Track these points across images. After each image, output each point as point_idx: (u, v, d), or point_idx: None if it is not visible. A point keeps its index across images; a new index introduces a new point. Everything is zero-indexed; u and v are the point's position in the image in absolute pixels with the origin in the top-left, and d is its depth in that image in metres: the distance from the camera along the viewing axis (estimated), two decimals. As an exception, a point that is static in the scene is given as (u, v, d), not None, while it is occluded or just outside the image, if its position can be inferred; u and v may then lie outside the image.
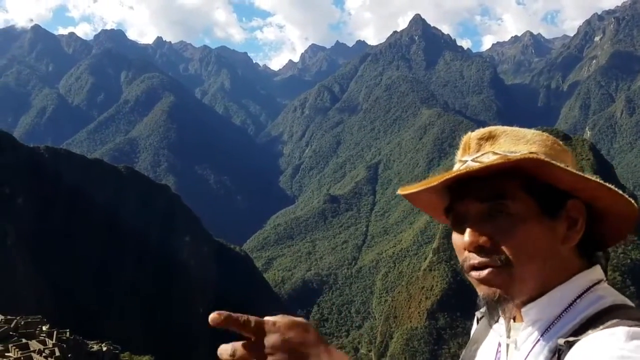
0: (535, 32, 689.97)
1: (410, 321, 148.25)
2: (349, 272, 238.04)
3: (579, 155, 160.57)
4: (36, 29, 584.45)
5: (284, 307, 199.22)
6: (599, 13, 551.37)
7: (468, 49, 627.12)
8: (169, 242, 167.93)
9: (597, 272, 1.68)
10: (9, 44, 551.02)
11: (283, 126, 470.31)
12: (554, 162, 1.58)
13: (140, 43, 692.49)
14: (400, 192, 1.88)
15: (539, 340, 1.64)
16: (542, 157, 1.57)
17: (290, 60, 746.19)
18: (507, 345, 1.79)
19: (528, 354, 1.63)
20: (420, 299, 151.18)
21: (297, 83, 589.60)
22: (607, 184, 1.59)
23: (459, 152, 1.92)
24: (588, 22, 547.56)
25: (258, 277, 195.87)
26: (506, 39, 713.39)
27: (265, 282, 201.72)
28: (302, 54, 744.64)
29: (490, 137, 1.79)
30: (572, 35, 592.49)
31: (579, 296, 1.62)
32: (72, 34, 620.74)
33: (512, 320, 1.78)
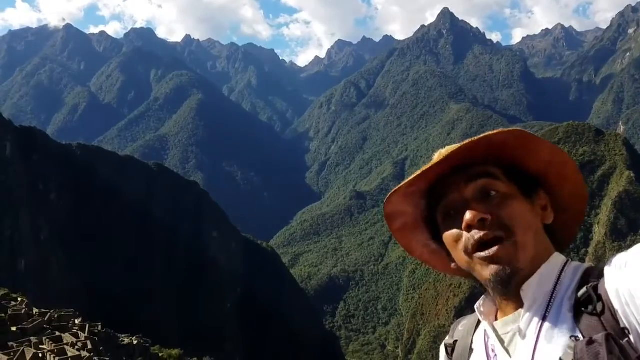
0: (566, 25, 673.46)
1: (438, 319, 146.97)
2: (375, 269, 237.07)
3: (612, 151, 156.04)
4: (68, 28, 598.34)
5: (311, 303, 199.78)
6: (633, 5, 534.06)
7: (497, 42, 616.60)
8: (198, 237, 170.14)
9: (561, 255, 1.87)
10: (42, 43, 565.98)
11: (309, 122, 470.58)
12: (534, 134, 1.78)
13: (169, 41, 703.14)
14: (387, 197, 2.00)
15: (546, 315, 1.70)
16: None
17: (316, 57, 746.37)
18: (504, 344, 1.82)
19: (538, 335, 1.69)
20: (448, 297, 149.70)
21: (323, 79, 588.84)
22: (573, 160, 1.87)
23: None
24: (621, 14, 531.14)
25: (285, 273, 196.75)
26: (537, 32, 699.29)
27: (291, 277, 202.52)
28: (328, 50, 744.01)
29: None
30: (605, 27, 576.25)
31: (561, 270, 1.80)
32: (102, 33, 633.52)
33: (494, 321, 1.88)
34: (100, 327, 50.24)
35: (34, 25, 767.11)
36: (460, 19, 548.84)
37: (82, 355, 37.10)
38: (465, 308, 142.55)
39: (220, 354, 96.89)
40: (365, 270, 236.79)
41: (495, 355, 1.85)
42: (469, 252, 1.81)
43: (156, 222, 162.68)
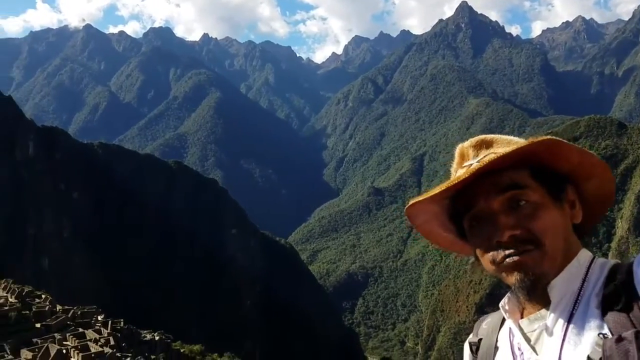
0: (587, 17, 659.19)
1: (458, 315, 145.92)
2: (394, 265, 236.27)
3: (635, 144, 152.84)
4: (88, 28, 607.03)
5: (329, 299, 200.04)
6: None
7: (517, 35, 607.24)
8: (217, 235, 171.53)
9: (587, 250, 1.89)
10: (63, 43, 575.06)
11: (327, 119, 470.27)
12: (564, 140, 1.76)
13: (187, 40, 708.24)
14: (410, 204, 2.09)
15: (573, 313, 1.71)
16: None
17: (333, 53, 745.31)
18: (530, 342, 1.82)
19: (565, 332, 1.69)
20: (469, 293, 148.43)
21: (340, 75, 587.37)
22: (603, 161, 1.85)
23: (456, 162, 2.14)
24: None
25: (303, 270, 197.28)
26: (557, 25, 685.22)
27: (310, 274, 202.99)
28: (345, 46, 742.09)
29: (485, 143, 1.99)
30: (627, 19, 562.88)
31: (588, 267, 1.82)
32: (122, 33, 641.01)
33: (519, 319, 1.89)
34: (122, 323, 51.00)
35: (55, 26, 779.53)
36: (478, 12, 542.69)
37: (105, 351, 37.70)
38: (486, 305, 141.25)
39: (241, 351, 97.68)
40: (384, 267, 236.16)
41: (522, 353, 1.85)
42: (497, 263, 1.85)
43: (176, 220, 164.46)
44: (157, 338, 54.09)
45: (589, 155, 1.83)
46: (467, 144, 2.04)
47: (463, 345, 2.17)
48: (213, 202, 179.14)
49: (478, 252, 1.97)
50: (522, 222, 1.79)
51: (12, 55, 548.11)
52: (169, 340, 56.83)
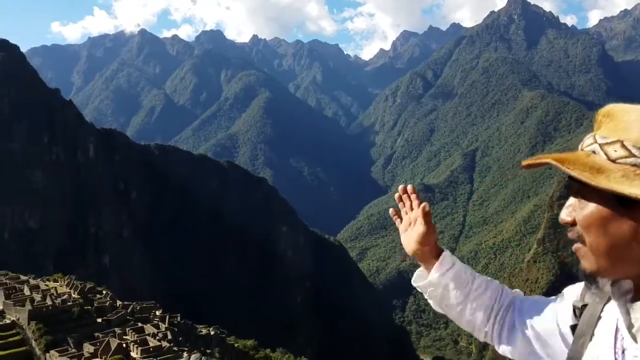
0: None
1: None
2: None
3: None
4: (143, 33, 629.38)
5: (380, 297, 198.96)
6: None
7: (573, 25, 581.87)
8: (268, 232, 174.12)
9: None
10: (119, 48, 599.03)
11: (374, 116, 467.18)
12: (608, 187, 1.75)
13: (237, 42, 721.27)
14: (527, 162, 2.03)
15: None
16: (625, 149, 1.80)
17: (381, 49, 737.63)
18: (632, 329, 1.79)
19: None
20: (524, 292, 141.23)
21: (388, 72, 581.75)
22: None
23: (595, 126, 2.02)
24: None
25: (353, 267, 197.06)
26: (615, 14, 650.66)
27: (360, 272, 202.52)
28: (393, 41, 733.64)
29: (608, 116, 1.94)
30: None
31: None
32: (175, 37, 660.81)
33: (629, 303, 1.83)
34: (179, 318, 52.62)
35: (111, 32, 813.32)
36: (532, 3, 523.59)
37: (163, 345, 39.07)
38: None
39: (292, 347, 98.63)
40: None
41: (622, 338, 1.82)
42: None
43: (228, 217, 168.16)
44: (212, 333, 55.52)
45: None
46: (602, 109, 1.99)
47: None
48: (263, 200, 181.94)
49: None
50: (579, 223, 1.91)
51: (72, 61, 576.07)
52: (223, 335, 58.24)
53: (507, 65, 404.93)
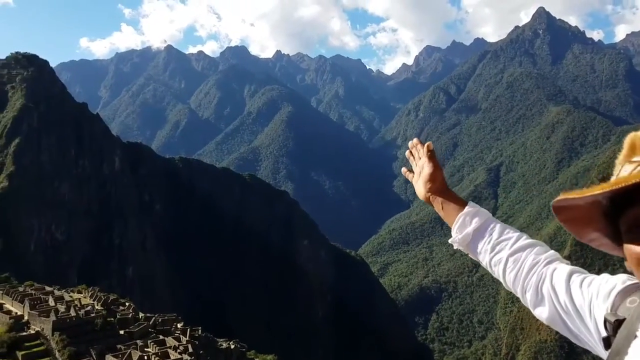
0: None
1: (539, 333, 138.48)
2: (469, 280, 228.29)
3: None
4: (169, 49, 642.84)
5: (401, 313, 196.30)
6: None
7: (599, 40, 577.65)
8: (289, 245, 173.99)
9: None
10: (146, 63, 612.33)
11: (397, 130, 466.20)
12: None
13: (261, 57, 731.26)
14: (561, 197, 1.88)
15: None
16: None
17: (403, 64, 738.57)
18: None
19: None
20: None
21: (411, 86, 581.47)
22: None
23: (623, 154, 1.86)
24: None
25: (374, 283, 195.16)
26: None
27: (381, 287, 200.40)
28: (416, 56, 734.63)
29: None
30: None
31: None
32: (200, 52, 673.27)
33: None
34: (200, 331, 52.55)
35: (138, 48, 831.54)
36: (557, 18, 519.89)
37: (184, 359, 39.00)
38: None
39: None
40: (459, 282, 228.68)
41: None
42: None
43: (250, 230, 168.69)
44: (232, 347, 55.32)
45: None
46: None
47: None
48: (285, 214, 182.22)
49: (633, 260, 1.82)
50: None
51: (100, 76, 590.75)
52: (243, 350, 57.96)
53: (532, 80, 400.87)
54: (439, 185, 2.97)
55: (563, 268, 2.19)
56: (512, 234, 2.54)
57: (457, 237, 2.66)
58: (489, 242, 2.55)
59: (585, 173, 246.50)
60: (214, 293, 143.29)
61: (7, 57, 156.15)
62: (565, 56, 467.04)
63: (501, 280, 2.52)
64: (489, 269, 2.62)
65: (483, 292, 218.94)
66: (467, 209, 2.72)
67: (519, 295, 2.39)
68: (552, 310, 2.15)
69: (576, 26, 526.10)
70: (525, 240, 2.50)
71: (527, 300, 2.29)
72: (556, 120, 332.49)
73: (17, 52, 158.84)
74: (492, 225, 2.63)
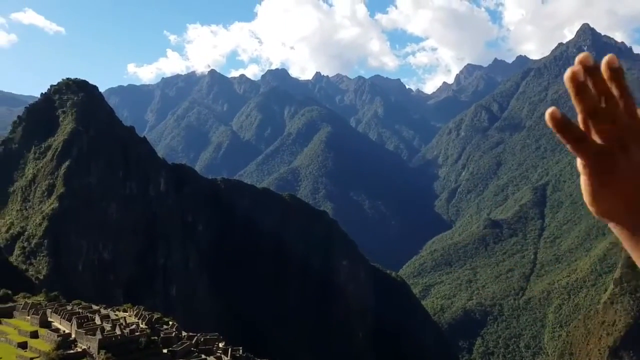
0: None
1: (589, 359, 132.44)
2: (515, 303, 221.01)
3: None
4: (212, 73, 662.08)
5: (445, 337, 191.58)
6: None
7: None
8: (328, 265, 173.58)
9: None
10: (191, 87, 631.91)
11: (437, 149, 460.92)
12: None
13: (301, 79, 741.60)
14: None
15: None
16: None
17: (444, 83, 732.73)
18: None
19: None
20: (601, 335, 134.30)
21: (451, 105, 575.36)
22: None
23: None
24: None
25: (416, 305, 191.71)
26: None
27: (423, 309, 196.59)
28: (456, 75, 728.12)
29: None
30: None
31: None
32: (242, 76, 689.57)
33: None
34: (240, 351, 52.99)
35: (183, 72, 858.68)
36: (602, 34, 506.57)
37: (223, 378, 39.40)
38: (620, 348, 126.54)
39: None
40: (505, 305, 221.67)
41: None
42: None
43: (290, 250, 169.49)
44: (271, 368, 55.34)
45: None
46: None
47: None
48: (324, 234, 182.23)
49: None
50: None
51: (146, 100, 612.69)
52: (282, 371, 57.92)
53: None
54: None
55: None
56: None
57: None
58: None
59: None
60: (254, 311, 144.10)
61: (58, 83, 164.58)
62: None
63: None
64: None
65: (530, 315, 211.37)
66: None
67: None
68: None
69: (622, 42, 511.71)
70: None
71: None
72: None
73: (68, 78, 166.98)
74: None
